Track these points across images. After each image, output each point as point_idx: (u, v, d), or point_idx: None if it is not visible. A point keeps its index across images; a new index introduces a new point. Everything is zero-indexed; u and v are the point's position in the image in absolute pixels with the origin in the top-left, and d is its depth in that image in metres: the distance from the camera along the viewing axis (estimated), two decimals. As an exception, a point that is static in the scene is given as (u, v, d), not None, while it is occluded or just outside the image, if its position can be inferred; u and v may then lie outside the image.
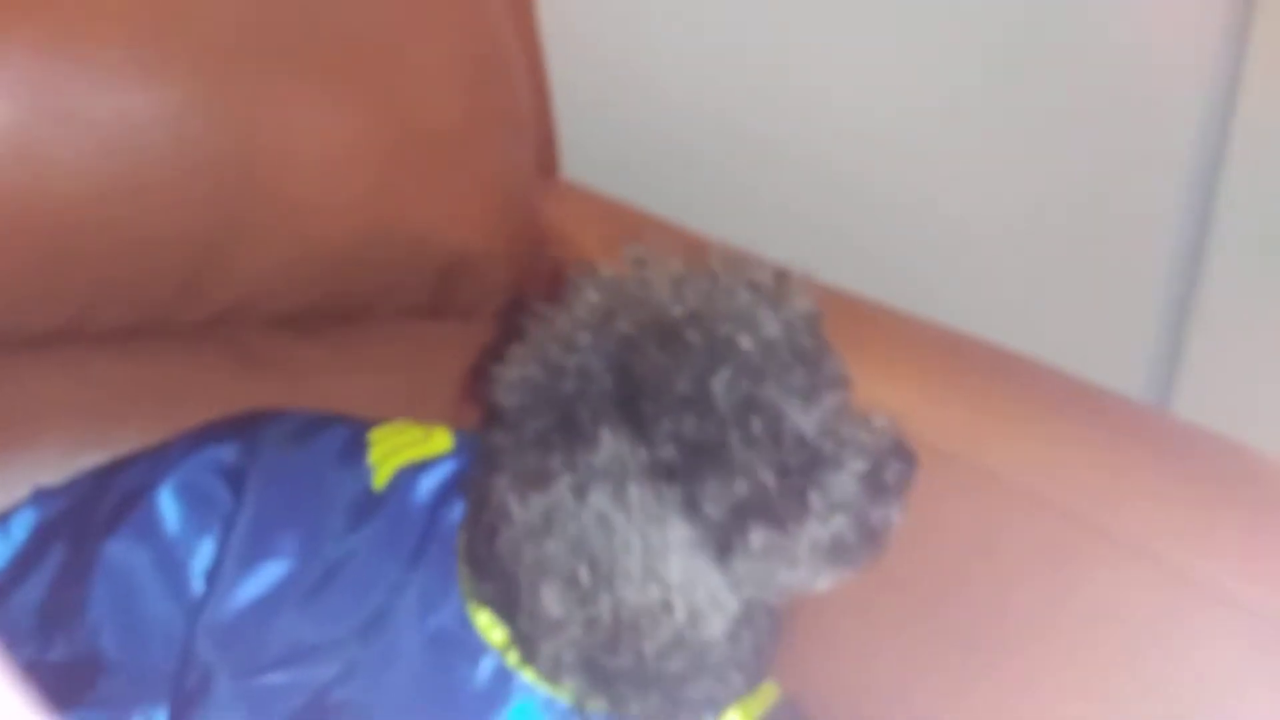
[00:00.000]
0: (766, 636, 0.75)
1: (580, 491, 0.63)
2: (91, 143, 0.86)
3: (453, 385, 1.04)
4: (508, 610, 0.70)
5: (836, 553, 0.66)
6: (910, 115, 1.33)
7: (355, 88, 0.97)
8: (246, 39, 0.93)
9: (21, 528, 0.80)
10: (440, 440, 0.81)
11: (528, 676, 0.70)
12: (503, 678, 0.70)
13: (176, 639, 0.74)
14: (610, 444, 0.63)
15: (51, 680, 0.72)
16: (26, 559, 0.79)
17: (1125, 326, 1.51)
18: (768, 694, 0.76)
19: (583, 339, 0.66)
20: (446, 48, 1.03)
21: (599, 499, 0.63)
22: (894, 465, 0.66)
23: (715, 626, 0.66)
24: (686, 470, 0.63)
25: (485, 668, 0.70)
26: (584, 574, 0.64)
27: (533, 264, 1.08)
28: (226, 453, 0.81)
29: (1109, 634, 0.71)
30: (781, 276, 0.68)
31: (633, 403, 0.64)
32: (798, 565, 0.66)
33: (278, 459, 0.80)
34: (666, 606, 0.64)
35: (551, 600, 0.65)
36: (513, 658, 0.70)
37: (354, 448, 0.80)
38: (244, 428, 0.83)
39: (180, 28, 0.90)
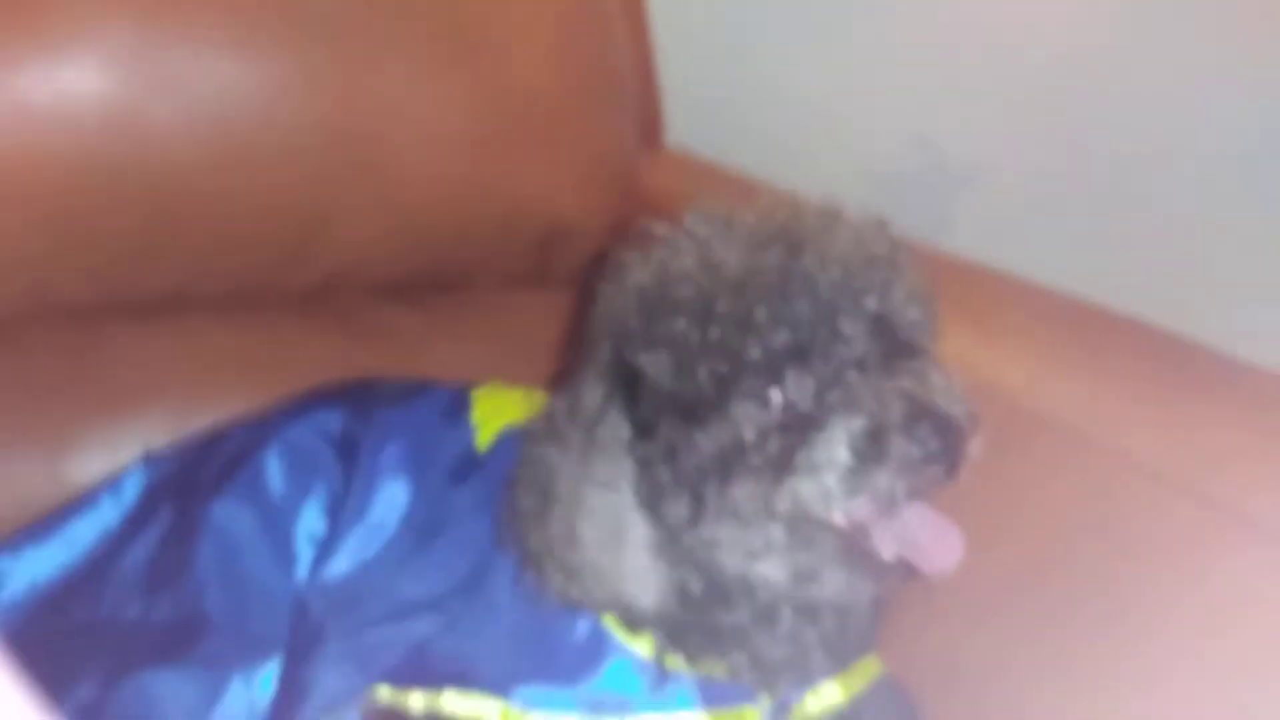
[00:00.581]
0: (859, 613, 0.72)
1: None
2: (195, 113, 0.87)
3: (553, 353, 1.03)
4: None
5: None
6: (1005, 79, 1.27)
7: (454, 58, 0.97)
8: (347, 9, 0.93)
9: (132, 489, 0.82)
10: (540, 405, 0.80)
11: (622, 638, 0.70)
12: (599, 636, 0.70)
13: (278, 599, 0.75)
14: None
15: (157, 637, 0.73)
16: (136, 520, 0.80)
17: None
18: (868, 669, 0.74)
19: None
20: (547, 17, 1.02)
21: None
22: (919, 430, 0.61)
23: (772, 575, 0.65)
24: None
25: (582, 626, 0.70)
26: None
27: (632, 231, 1.06)
28: (331, 418, 0.81)
29: (1241, 621, 0.67)
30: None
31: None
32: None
33: (387, 417, 0.80)
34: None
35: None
36: (609, 618, 0.70)
37: (458, 406, 0.81)
38: (349, 394, 0.84)
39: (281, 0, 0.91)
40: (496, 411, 0.80)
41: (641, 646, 0.69)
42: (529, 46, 1.00)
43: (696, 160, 1.14)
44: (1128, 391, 0.78)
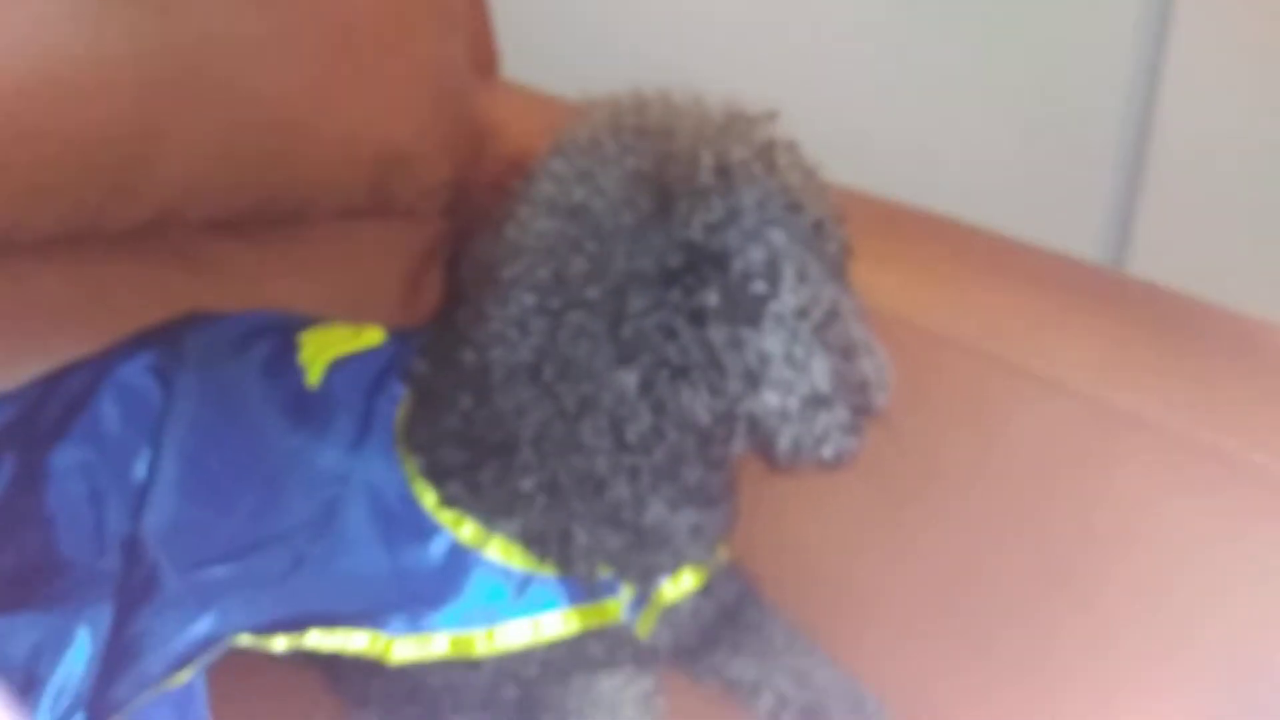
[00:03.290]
0: (729, 507, 0.76)
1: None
2: (7, 47, 0.84)
3: (395, 284, 1.04)
4: (475, 474, 0.70)
5: None
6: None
7: (279, -18, 0.95)
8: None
9: None
10: (371, 335, 0.82)
11: (482, 549, 0.71)
12: (457, 555, 0.71)
13: (124, 539, 0.74)
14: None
15: (3, 585, 0.72)
16: (-22, 468, 0.78)
17: (1079, 193, 1.51)
18: (718, 556, 0.78)
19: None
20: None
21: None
22: None
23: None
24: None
25: (437, 547, 0.71)
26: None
27: (473, 160, 1.07)
28: (161, 355, 0.81)
29: (1038, 470, 0.73)
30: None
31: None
32: None
33: (208, 369, 0.80)
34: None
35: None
36: (465, 532, 0.71)
37: (284, 351, 0.81)
38: (177, 330, 0.83)
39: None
40: (323, 348, 0.81)
41: (500, 550, 0.71)
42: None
43: (531, 89, 1.15)
44: (943, 278, 0.83)
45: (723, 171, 0.65)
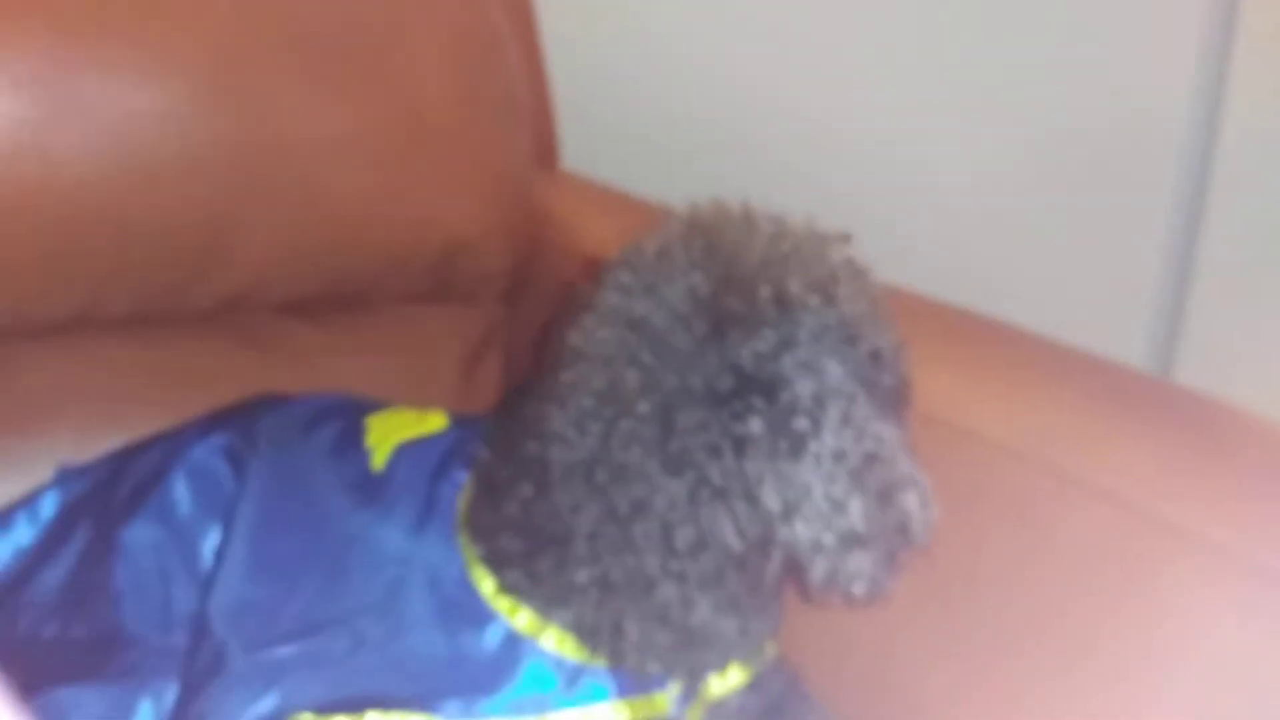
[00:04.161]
0: (779, 610, 0.77)
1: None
2: (97, 134, 0.89)
3: (454, 367, 1.06)
4: (533, 563, 0.72)
5: None
6: (904, 88, 1.34)
7: (352, 77, 1.00)
8: (247, 30, 0.96)
9: (49, 508, 0.83)
10: (435, 421, 0.84)
11: (537, 638, 0.72)
12: (511, 643, 0.72)
13: (192, 618, 0.76)
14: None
15: (73, 656, 0.75)
16: (52, 539, 0.81)
17: (1124, 297, 1.52)
18: (766, 652, 0.79)
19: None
20: (441, 36, 1.05)
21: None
22: None
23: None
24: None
25: (493, 634, 0.72)
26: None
27: (531, 249, 1.10)
28: (233, 438, 0.83)
29: (1085, 580, 0.74)
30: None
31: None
32: None
33: (278, 453, 0.82)
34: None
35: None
36: (521, 620, 0.72)
37: (351, 434, 0.83)
38: (250, 413, 0.86)
39: (183, 21, 0.93)
40: (390, 432, 0.83)
41: (554, 640, 0.72)
42: (423, 67, 1.03)
43: (590, 181, 1.19)
44: (982, 378, 0.84)
45: (780, 301, 0.66)
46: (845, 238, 0.71)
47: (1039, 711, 0.76)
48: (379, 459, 0.81)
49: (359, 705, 0.70)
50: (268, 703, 0.70)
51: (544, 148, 1.19)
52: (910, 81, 1.36)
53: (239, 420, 0.84)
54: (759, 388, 0.65)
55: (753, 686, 0.78)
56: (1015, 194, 1.44)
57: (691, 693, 0.75)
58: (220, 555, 0.77)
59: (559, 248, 1.10)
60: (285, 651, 0.72)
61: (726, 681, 0.76)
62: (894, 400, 0.70)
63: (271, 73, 0.96)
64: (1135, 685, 0.71)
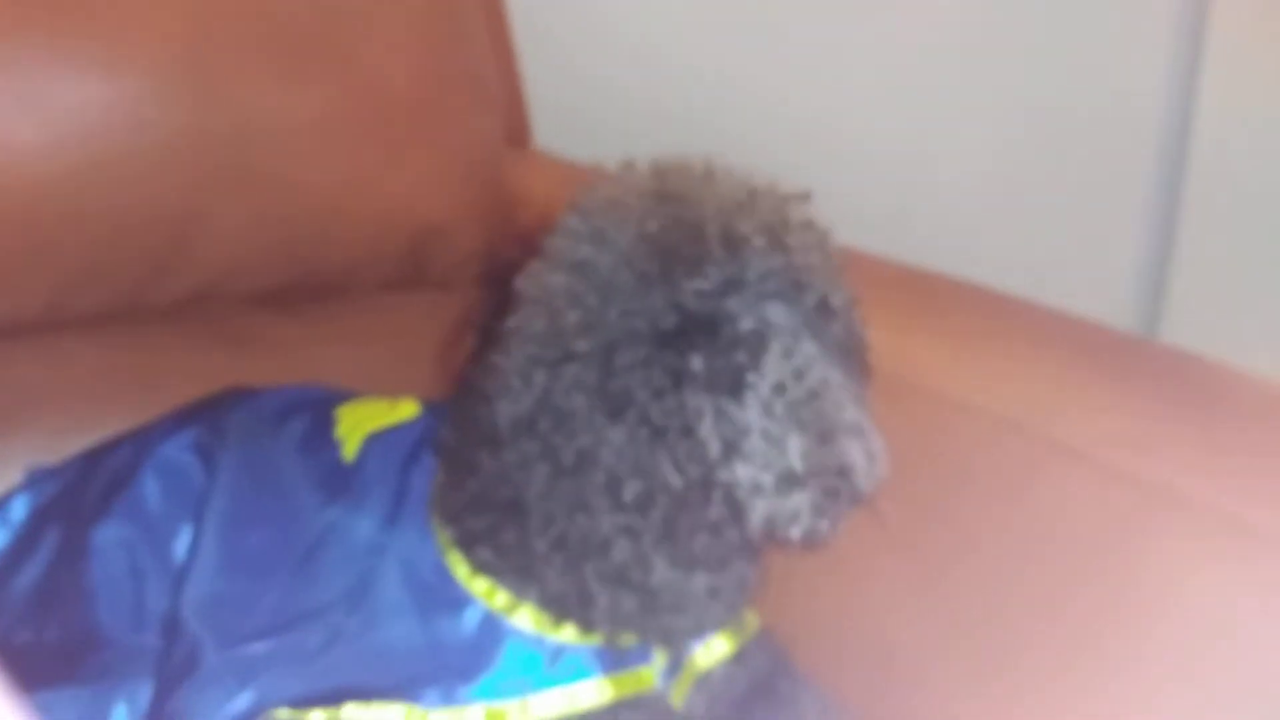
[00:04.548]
0: (748, 568, 0.76)
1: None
2: (56, 128, 0.87)
3: (431, 354, 1.05)
4: (498, 537, 0.71)
5: None
6: (886, 53, 1.33)
7: (317, 63, 0.98)
8: (210, 19, 0.94)
9: (19, 511, 0.82)
10: (406, 409, 0.83)
11: (514, 618, 0.71)
12: (490, 625, 0.71)
13: (162, 615, 0.75)
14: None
15: (46, 659, 0.74)
16: (23, 543, 0.81)
17: (1108, 258, 1.52)
18: (750, 624, 0.78)
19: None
20: (407, 19, 1.04)
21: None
22: None
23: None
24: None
25: (470, 617, 0.71)
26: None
27: (505, 230, 1.09)
28: (202, 433, 0.82)
29: (1060, 538, 0.73)
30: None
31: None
32: None
33: (248, 446, 0.81)
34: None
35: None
36: (499, 602, 0.71)
37: (321, 426, 0.82)
38: (219, 407, 0.85)
39: (143, 10, 0.91)
40: (360, 422, 0.82)
41: (532, 619, 0.71)
42: (389, 50, 1.02)
43: (563, 160, 1.17)
44: (968, 346, 0.84)
45: (728, 242, 0.66)
46: (804, 196, 0.70)
47: (1020, 667, 0.75)
48: (349, 450, 0.80)
49: (336, 699, 0.69)
50: (243, 700, 0.69)
51: (515, 127, 1.17)
52: (904, 66, 1.35)
53: (208, 414, 0.83)
54: (702, 325, 0.64)
55: (738, 658, 0.77)
56: (1007, 171, 1.44)
57: (676, 666, 0.74)
58: (191, 551, 0.76)
59: (533, 228, 1.08)
60: (259, 647, 0.71)
61: (711, 653, 0.75)
62: (846, 355, 0.69)
63: (236, 61, 0.94)
64: (1113, 639, 0.71)
